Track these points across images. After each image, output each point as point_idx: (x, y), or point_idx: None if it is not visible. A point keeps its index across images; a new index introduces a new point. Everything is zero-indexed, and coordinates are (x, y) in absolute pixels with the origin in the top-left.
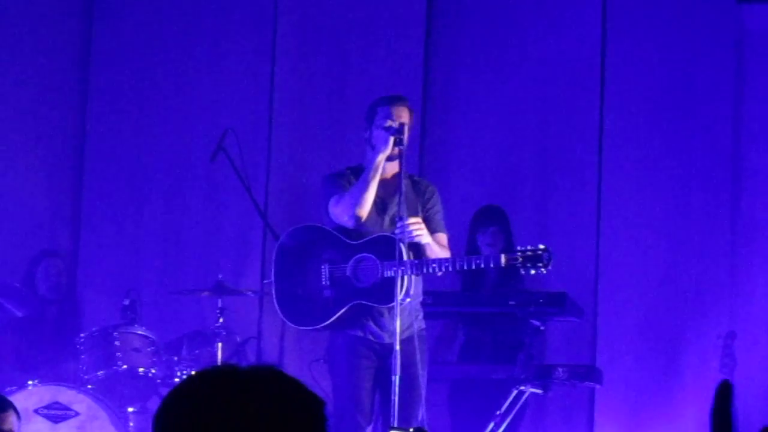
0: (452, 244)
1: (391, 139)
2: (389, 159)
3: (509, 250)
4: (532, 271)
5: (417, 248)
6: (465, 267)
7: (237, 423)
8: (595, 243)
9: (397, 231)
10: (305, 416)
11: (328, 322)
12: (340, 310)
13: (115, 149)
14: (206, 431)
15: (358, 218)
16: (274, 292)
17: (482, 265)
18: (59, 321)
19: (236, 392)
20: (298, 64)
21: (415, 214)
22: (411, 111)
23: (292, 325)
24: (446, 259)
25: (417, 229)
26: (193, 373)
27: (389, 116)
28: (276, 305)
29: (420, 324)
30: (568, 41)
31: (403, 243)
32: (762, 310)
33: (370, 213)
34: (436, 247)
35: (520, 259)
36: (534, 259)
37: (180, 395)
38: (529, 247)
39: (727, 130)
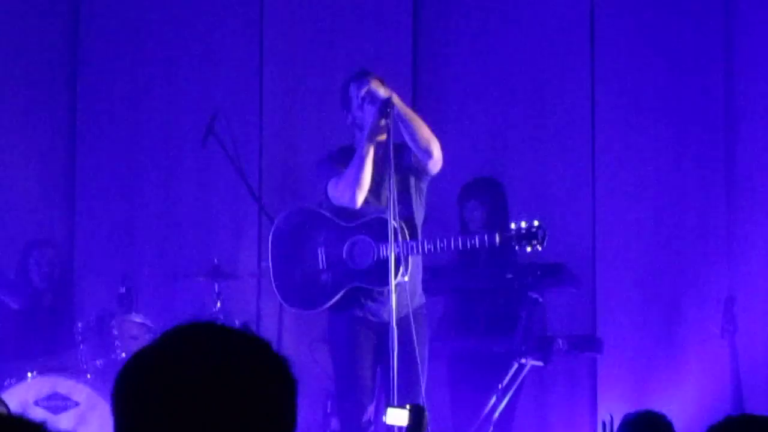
0: (445, 217)
1: (377, 114)
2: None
3: (503, 227)
4: (528, 249)
5: (413, 226)
6: (460, 247)
7: (198, 381)
8: (590, 211)
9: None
10: (272, 375)
11: (326, 305)
12: (337, 294)
13: (107, 135)
14: (166, 394)
15: (358, 199)
16: (272, 276)
17: (477, 245)
18: (54, 310)
19: (204, 348)
20: (288, 45)
21: (407, 184)
22: (381, 79)
23: (292, 309)
24: (442, 240)
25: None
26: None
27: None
28: (275, 289)
29: (420, 300)
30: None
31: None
32: (760, 273)
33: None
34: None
35: (515, 238)
36: (529, 237)
37: (140, 358)
38: (523, 225)
39: (719, 99)
